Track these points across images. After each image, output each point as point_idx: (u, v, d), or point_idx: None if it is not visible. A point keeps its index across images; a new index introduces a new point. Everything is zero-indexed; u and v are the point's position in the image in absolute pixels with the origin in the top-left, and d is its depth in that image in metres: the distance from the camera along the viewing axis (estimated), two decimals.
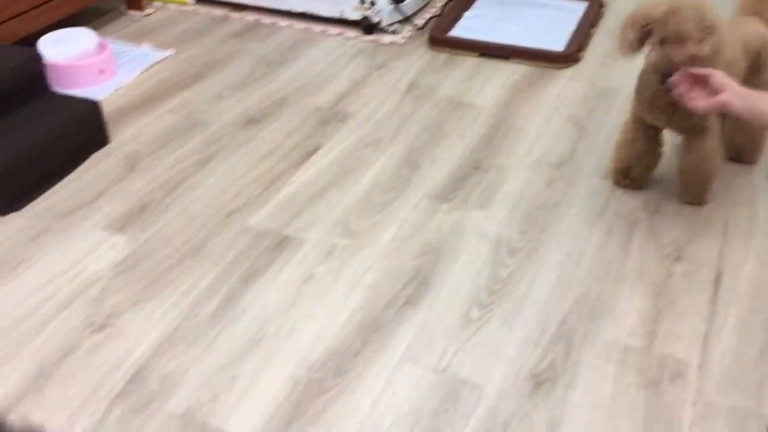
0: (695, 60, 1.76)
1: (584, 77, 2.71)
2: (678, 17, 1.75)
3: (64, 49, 2.63)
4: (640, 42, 1.84)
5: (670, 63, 1.80)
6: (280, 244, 1.95)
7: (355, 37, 2.98)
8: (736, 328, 1.70)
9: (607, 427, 1.49)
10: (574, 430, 1.48)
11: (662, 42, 1.79)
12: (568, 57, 2.78)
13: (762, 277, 1.84)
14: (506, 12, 3.13)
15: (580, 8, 3.12)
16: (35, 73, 2.29)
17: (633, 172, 2.09)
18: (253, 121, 2.47)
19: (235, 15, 3.13)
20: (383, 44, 2.94)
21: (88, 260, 1.90)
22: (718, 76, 1.68)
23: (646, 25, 1.81)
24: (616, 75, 2.71)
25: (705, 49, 1.75)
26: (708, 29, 1.76)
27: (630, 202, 2.09)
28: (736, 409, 1.52)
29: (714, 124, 1.97)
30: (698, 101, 1.71)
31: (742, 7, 2.10)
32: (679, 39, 1.76)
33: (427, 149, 2.33)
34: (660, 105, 1.93)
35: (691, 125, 1.95)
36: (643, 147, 2.05)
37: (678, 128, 1.99)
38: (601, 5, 3.17)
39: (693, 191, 2.05)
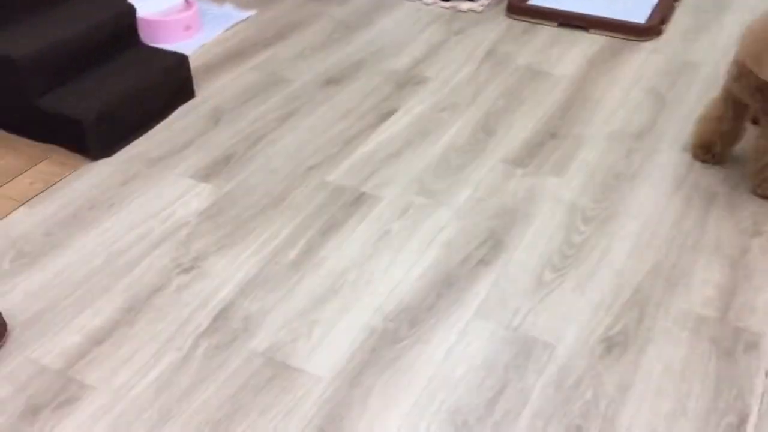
0: None
1: (666, 50, 2.67)
2: None
3: (153, 4, 2.71)
4: None
5: None
6: (357, 200, 2.00)
7: (433, 3, 2.99)
8: None
9: (678, 391, 1.50)
10: (645, 392, 1.50)
11: None
12: (650, 29, 2.74)
13: None
14: None
15: None
16: (128, 25, 2.38)
17: (715, 147, 2.06)
18: (332, 81, 2.52)
19: None
20: (461, 11, 2.95)
21: (176, 206, 1.98)
22: None
23: None
24: (698, 50, 2.66)
25: None
26: None
27: (709, 176, 2.07)
28: None
29: None
30: None
31: None
32: None
33: (503, 115, 2.35)
34: (746, 81, 1.90)
35: None
36: (730, 125, 2.03)
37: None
38: None
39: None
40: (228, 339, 1.62)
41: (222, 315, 1.67)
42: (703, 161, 2.10)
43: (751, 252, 1.84)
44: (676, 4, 2.94)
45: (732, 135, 2.05)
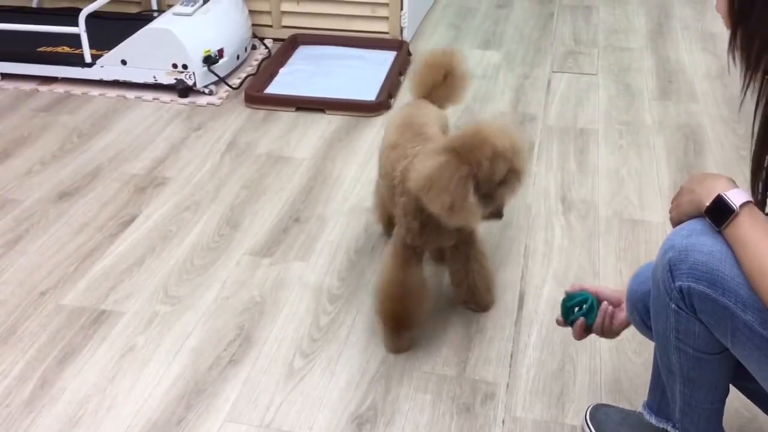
0: None
1: None
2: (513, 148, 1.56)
3: None
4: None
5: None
6: (97, 320, 1.91)
7: (171, 101, 2.99)
8: (538, 344, 1.85)
9: None
10: None
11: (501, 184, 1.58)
12: (380, 105, 2.93)
13: (559, 295, 2.00)
14: (320, 66, 3.25)
15: (390, 57, 3.29)
16: None
17: (409, 321, 1.80)
18: (65, 195, 2.42)
19: (44, 88, 3.05)
20: (200, 106, 2.97)
21: None
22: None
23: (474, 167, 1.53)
24: None
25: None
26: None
27: None
28: (540, 421, 1.64)
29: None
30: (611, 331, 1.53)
31: (416, 91, 1.99)
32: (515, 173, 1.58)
33: (247, 206, 2.37)
34: (435, 227, 1.69)
35: (465, 235, 1.81)
36: (417, 279, 1.79)
37: (450, 242, 1.81)
38: (409, 53, 3.36)
39: (489, 296, 1.93)
40: None
41: None
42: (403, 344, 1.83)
43: None
44: (402, 78, 3.17)
45: (423, 291, 1.81)
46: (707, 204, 1.19)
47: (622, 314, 1.50)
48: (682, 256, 1.19)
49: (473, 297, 1.91)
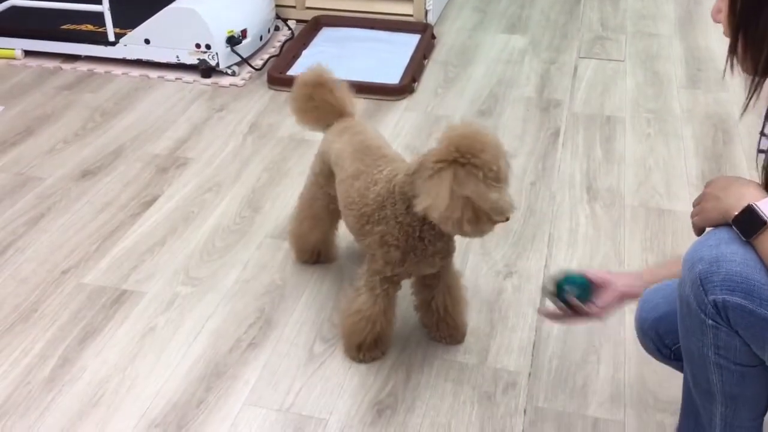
0: None
1: (419, 107, 2.83)
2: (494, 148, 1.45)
3: None
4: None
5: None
6: (118, 299, 1.91)
7: (194, 81, 2.97)
8: (561, 335, 1.82)
9: None
10: None
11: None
12: (403, 89, 2.89)
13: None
14: (344, 48, 3.22)
15: (414, 40, 3.25)
16: None
17: (382, 341, 1.74)
18: (88, 173, 2.42)
19: (67, 66, 3.05)
20: (223, 86, 2.95)
21: None
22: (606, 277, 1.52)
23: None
24: (448, 103, 2.84)
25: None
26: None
27: None
28: (562, 412, 1.62)
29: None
30: (599, 310, 1.51)
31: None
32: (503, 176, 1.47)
33: (269, 189, 2.36)
34: (419, 255, 1.60)
35: (446, 259, 1.68)
36: (392, 308, 1.72)
37: (433, 270, 1.67)
38: (433, 36, 3.32)
39: (461, 322, 1.79)
40: None
41: None
42: (371, 359, 1.74)
43: (505, 293, 1.95)
44: (426, 61, 3.13)
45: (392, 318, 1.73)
46: (735, 213, 1.14)
47: (607, 295, 1.51)
48: (714, 267, 1.12)
49: (440, 331, 1.77)
